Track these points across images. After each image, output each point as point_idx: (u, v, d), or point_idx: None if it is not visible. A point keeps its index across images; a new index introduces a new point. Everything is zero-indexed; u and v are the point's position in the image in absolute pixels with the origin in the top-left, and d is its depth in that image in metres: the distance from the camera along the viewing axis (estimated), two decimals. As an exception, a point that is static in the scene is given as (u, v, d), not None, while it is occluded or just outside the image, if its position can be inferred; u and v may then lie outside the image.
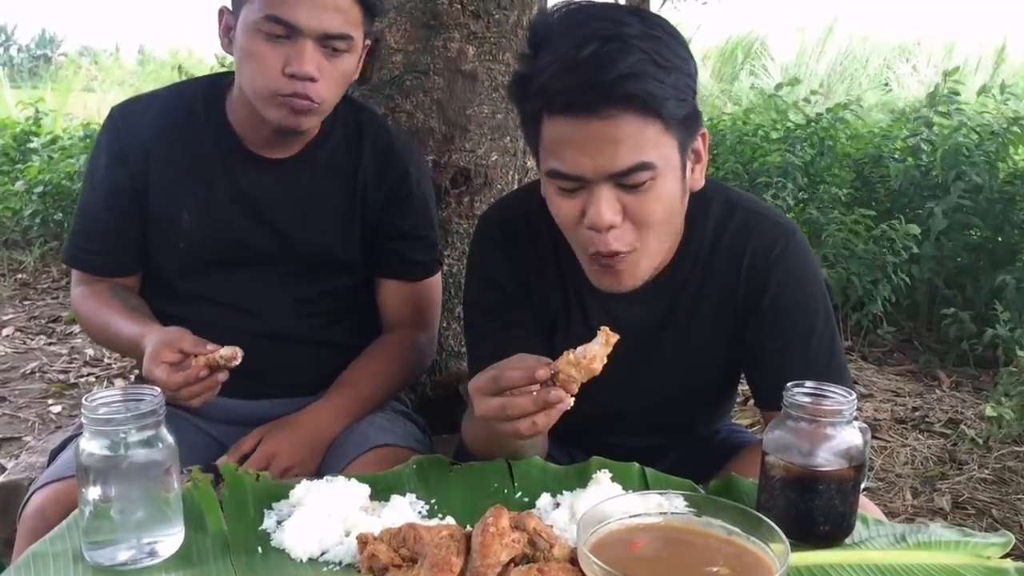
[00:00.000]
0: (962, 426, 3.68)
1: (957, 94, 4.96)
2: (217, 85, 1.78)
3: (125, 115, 1.76)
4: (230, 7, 1.66)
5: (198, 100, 1.76)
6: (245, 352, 1.51)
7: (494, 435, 1.28)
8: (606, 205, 1.29)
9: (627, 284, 1.39)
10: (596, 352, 1.15)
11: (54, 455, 1.64)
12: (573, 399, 1.17)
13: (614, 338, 1.16)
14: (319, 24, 1.56)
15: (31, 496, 1.51)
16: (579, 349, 1.16)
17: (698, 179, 1.41)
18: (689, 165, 1.37)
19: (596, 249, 1.34)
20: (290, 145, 1.74)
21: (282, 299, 1.78)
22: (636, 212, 1.31)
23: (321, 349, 1.80)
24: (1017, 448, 3.45)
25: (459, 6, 2.25)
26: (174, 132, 1.73)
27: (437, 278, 1.92)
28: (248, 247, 1.75)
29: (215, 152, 1.74)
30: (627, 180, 1.28)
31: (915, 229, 4.37)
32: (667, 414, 1.63)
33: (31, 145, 6.75)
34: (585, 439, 1.55)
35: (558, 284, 1.54)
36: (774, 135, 5.70)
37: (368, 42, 1.72)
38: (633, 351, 1.49)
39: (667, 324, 1.53)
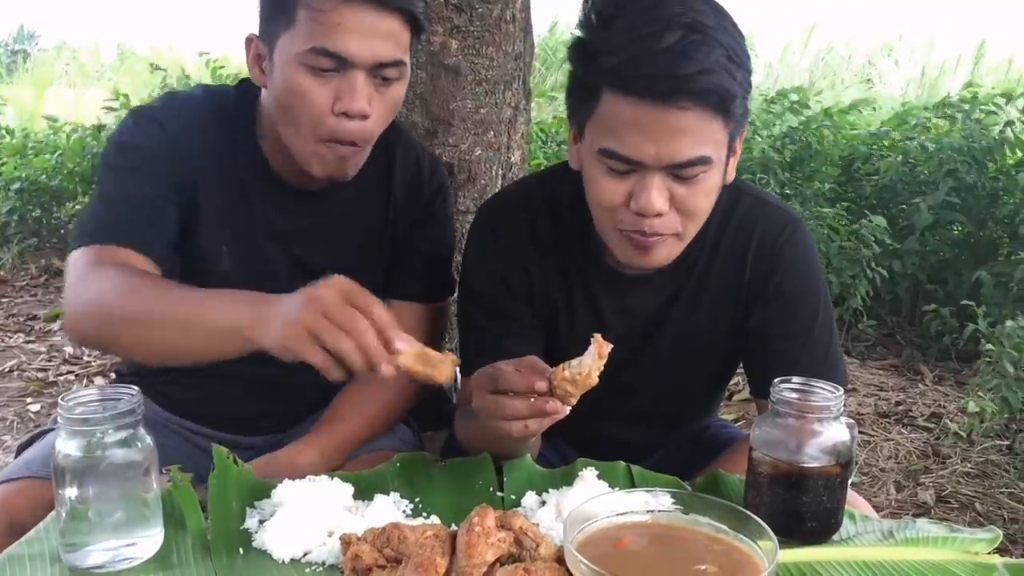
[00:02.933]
0: (945, 420, 3.70)
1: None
2: (246, 102, 1.58)
3: (166, 114, 1.54)
4: (258, 34, 1.49)
5: (234, 119, 1.58)
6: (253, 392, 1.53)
7: (488, 431, 1.26)
8: (657, 193, 1.29)
9: (657, 262, 1.40)
10: (590, 366, 1.13)
11: (21, 450, 1.59)
12: (569, 408, 1.17)
13: (607, 349, 1.14)
14: (372, 53, 1.40)
15: None
16: (573, 364, 1.14)
17: (730, 173, 1.42)
18: (730, 162, 1.39)
19: (638, 228, 1.33)
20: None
21: None
22: (684, 202, 1.32)
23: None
24: (999, 442, 3.47)
25: (442, 0, 2.23)
26: (217, 156, 1.56)
27: (447, 305, 1.79)
28: (280, 285, 1.52)
29: (250, 181, 1.58)
30: (684, 172, 1.29)
31: (882, 223, 4.39)
32: (664, 403, 1.63)
33: (2, 142, 6.68)
34: (580, 429, 1.53)
35: (560, 274, 1.53)
36: (764, 132, 5.70)
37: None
38: (638, 335, 1.53)
39: (673, 309, 1.53)
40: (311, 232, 1.63)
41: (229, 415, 1.70)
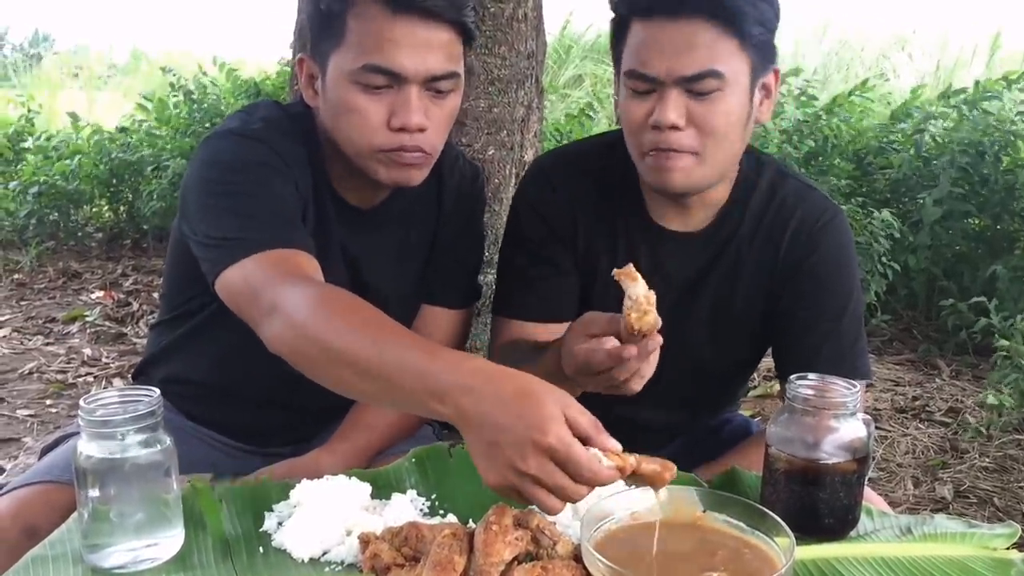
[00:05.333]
0: (963, 415, 3.68)
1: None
2: (311, 121, 1.53)
3: (268, 136, 1.46)
4: (309, 53, 1.47)
5: (308, 138, 1.52)
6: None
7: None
8: (672, 106, 1.38)
9: (679, 183, 1.44)
10: (636, 295, 1.15)
11: (44, 452, 1.60)
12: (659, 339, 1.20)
13: (629, 266, 1.17)
14: (425, 67, 1.38)
15: None
16: (627, 305, 1.16)
17: (765, 113, 1.49)
18: (759, 97, 1.46)
19: (657, 146, 1.42)
20: (377, 192, 1.58)
21: None
22: (700, 119, 1.39)
23: None
24: (1018, 436, 3.45)
25: None
26: (304, 178, 1.50)
27: (470, 312, 1.77)
28: None
29: (321, 202, 1.54)
30: (696, 86, 1.37)
31: (888, 216, 4.36)
32: (691, 383, 1.65)
33: (24, 145, 6.72)
34: (598, 410, 1.52)
35: (606, 225, 1.60)
36: (770, 126, 5.66)
37: None
38: (675, 305, 1.56)
39: (710, 277, 1.58)
40: (376, 253, 1.61)
41: (251, 426, 1.69)
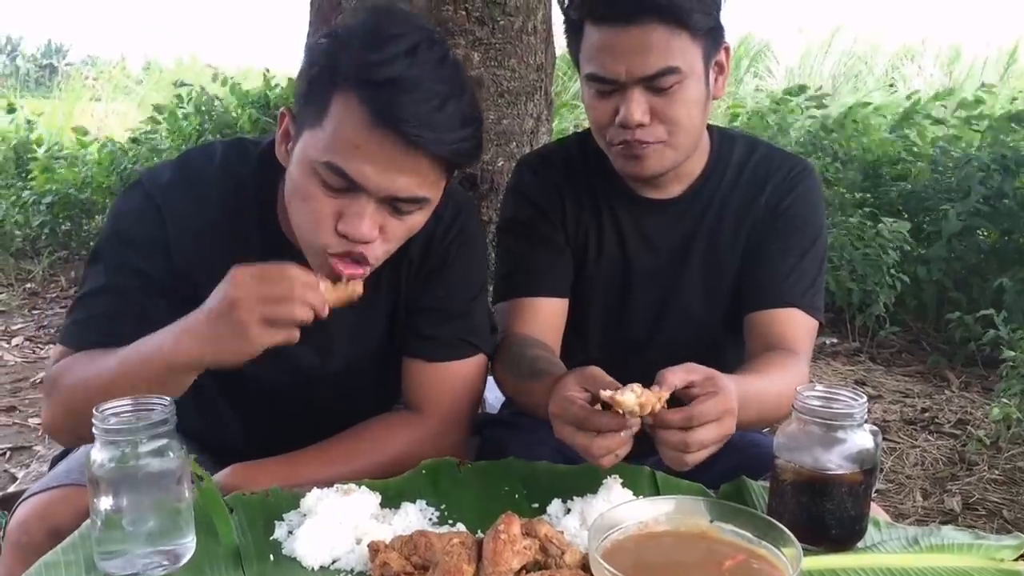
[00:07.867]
0: (971, 427, 3.67)
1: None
2: (268, 177, 1.45)
3: (167, 198, 1.44)
4: (293, 112, 1.37)
5: (250, 195, 1.45)
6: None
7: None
8: (636, 105, 1.46)
9: (650, 169, 1.54)
10: (632, 407, 1.13)
11: (55, 462, 1.61)
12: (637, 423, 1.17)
13: (612, 395, 1.15)
14: (388, 186, 1.28)
15: (16, 509, 1.43)
16: (631, 404, 1.14)
17: (720, 89, 1.57)
18: (712, 75, 1.54)
19: (625, 140, 1.50)
20: None
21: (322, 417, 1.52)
22: (664, 113, 1.48)
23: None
24: (1027, 448, 3.44)
25: (464, 12, 2.26)
26: (224, 232, 1.44)
27: (469, 366, 1.55)
28: (304, 383, 1.54)
29: (263, 252, 1.38)
30: (656, 83, 1.45)
31: (904, 227, 4.36)
32: (689, 339, 1.68)
33: (31, 155, 6.77)
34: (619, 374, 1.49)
35: (589, 197, 1.69)
36: (782, 140, 5.68)
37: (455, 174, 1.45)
38: (665, 271, 1.67)
39: (695, 241, 1.66)
40: (335, 316, 1.46)
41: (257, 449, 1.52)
